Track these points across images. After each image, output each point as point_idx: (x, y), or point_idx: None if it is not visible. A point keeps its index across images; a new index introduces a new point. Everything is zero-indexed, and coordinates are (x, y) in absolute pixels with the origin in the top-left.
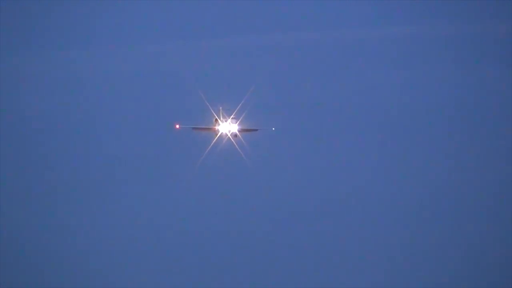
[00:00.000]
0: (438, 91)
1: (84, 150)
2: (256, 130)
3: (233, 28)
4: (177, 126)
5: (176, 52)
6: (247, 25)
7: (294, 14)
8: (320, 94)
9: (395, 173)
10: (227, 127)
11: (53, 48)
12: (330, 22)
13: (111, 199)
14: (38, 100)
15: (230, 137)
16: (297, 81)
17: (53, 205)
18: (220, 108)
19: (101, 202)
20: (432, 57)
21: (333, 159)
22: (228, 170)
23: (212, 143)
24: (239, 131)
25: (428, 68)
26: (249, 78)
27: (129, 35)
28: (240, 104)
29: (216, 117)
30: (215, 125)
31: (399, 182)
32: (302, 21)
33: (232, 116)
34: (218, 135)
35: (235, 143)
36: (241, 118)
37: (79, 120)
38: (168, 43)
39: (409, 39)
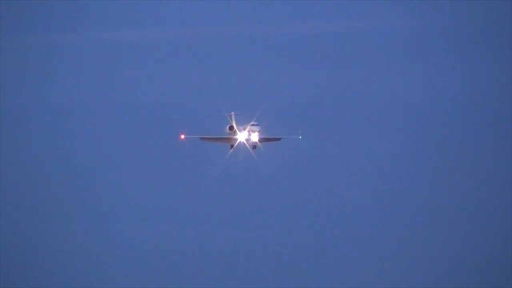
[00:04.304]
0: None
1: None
2: (279, 139)
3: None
4: (182, 137)
5: (179, 49)
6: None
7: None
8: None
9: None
10: (245, 135)
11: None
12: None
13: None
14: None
15: (248, 147)
16: (321, 81)
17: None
18: (232, 113)
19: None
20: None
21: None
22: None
23: (228, 156)
24: (259, 140)
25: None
26: (266, 78)
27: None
28: (259, 111)
29: (232, 123)
30: (230, 134)
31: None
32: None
33: (252, 123)
34: (235, 146)
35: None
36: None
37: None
38: (171, 38)
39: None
